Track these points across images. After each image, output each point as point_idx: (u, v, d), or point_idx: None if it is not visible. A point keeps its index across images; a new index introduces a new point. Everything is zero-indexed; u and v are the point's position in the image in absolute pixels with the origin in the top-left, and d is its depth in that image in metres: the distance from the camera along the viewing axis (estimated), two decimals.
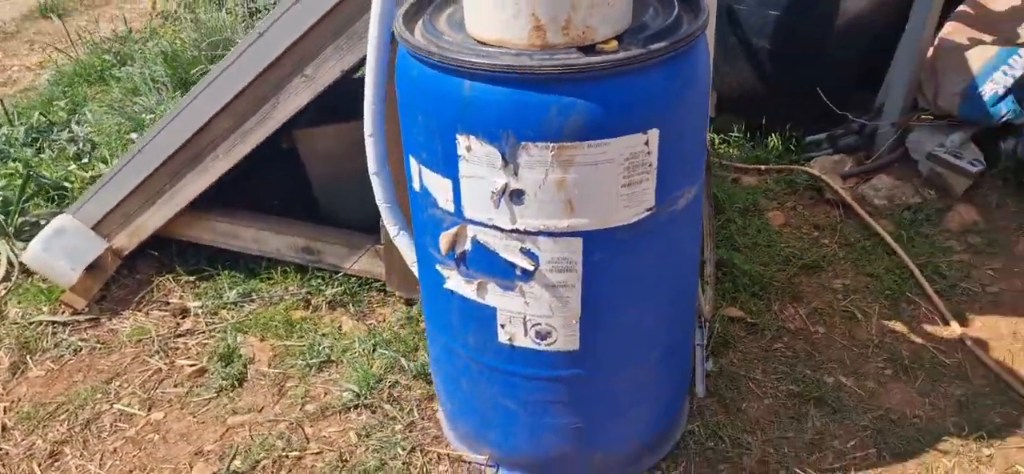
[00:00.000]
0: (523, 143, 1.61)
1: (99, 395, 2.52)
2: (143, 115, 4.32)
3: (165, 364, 2.62)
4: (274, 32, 2.34)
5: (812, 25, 3.36)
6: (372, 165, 2.24)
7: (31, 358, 2.69)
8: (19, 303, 2.92)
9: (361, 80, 2.50)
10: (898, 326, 2.61)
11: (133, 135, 4.13)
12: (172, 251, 2.99)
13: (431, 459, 2.18)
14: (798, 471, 2.12)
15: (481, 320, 1.88)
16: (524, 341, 1.86)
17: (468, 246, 1.79)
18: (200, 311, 2.82)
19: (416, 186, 1.86)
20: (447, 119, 1.66)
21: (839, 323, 2.63)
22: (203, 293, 2.89)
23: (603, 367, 1.89)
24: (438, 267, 1.88)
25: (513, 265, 1.76)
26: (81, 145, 4.01)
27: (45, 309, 2.86)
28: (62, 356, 2.69)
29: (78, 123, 4.29)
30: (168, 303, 2.87)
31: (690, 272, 2.01)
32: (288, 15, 2.31)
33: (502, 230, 1.73)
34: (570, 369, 1.87)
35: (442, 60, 1.63)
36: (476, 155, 1.66)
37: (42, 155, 3.90)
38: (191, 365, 2.61)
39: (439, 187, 1.77)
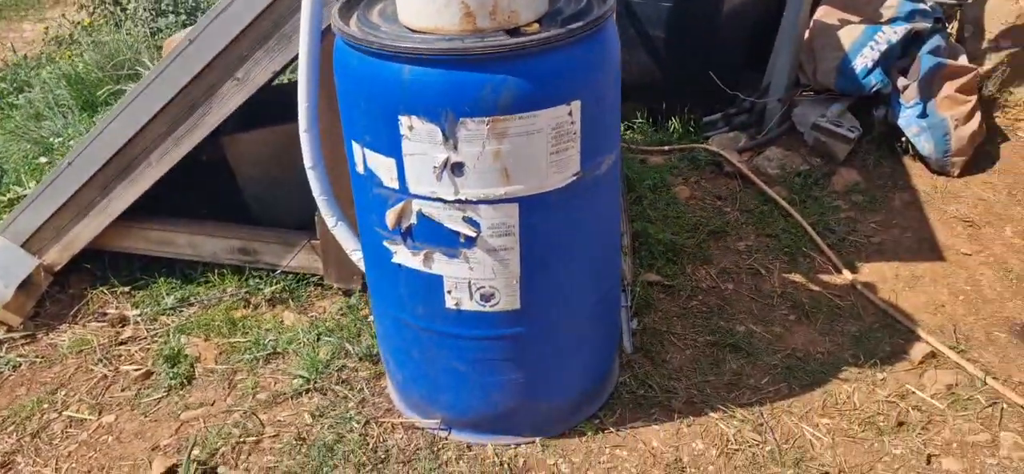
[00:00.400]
0: (461, 119, 1.78)
1: (45, 405, 2.55)
2: (51, 139, 4.28)
3: (110, 371, 2.67)
4: (204, 38, 2.43)
5: (702, 14, 3.65)
6: (308, 160, 2.36)
7: None
8: None
9: (280, 87, 2.61)
10: (797, 278, 2.89)
11: (42, 159, 4.10)
12: (105, 263, 3.02)
13: (386, 428, 2.32)
14: (721, 407, 2.35)
15: (429, 289, 2.03)
16: (470, 305, 2.03)
17: (414, 220, 1.94)
18: (140, 319, 2.87)
19: (360, 169, 2.00)
20: (389, 102, 1.82)
21: (746, 279, 2.90)
22: (141, 302, 2.93)
23: (543, 323, 2.07)
24: (385, 243, 2.03)
25: (457, 233, 1.92)
26: None
27: None
28: (1, 372, 2.69)
29: None
30: (105, 314, 2.90)
31: (613, 231, 2.21)
32: (218, 21, 2.41)
33: (445, 201, 1.89)
34: (513, 327, 2.05)
35: (382, 48, 1.78)
36: (418, 133, 1.82)
37: None
38: (136, 369, 2.66)
39: (384, 167, 1.91)
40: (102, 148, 2.66)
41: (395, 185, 1.92)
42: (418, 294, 2.07)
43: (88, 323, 2.88)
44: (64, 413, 2.52)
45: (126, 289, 2.99)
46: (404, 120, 1.81)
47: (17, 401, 2.58)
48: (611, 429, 2.29)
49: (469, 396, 2.18)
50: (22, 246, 2.88)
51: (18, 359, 2.74)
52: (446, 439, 2.27)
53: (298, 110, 2.31)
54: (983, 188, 3.37)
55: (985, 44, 3.91)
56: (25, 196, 3.44)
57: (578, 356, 2.21)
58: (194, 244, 2.94)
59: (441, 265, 1.99)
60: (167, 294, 2.94)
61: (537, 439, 2.25)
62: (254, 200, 3.10)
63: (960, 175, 3.43)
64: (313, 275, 2.93)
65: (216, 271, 2.98)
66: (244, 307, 2.88)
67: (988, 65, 3.79)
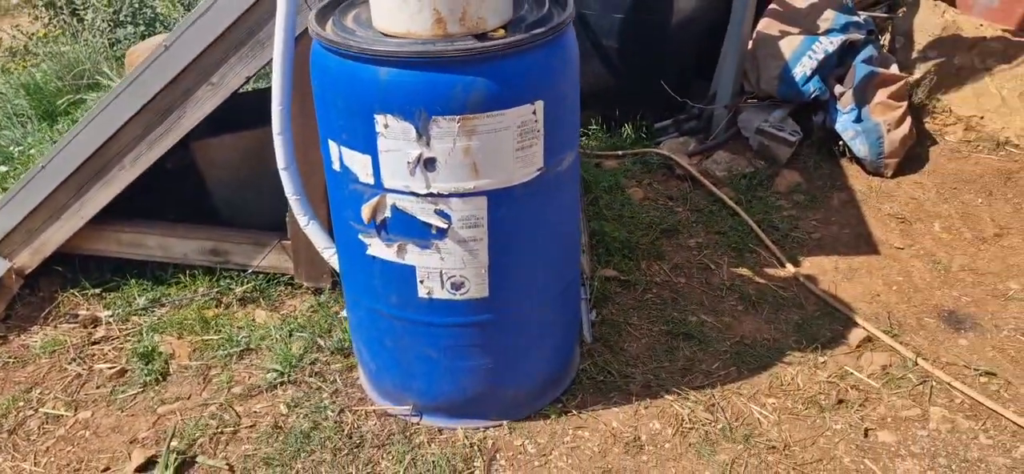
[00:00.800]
0: (433, 117, 1.91)
1: (21, 403, 2.60)
2: (11, 148, 4.30)
3: (83, 370, 2.73)
4: (180, 44, 2.52)
5: (651, 25, 3.83)
6: (281, 161, 2.47)
7: None
8: None
9: (244, 95, 2.70)
10: (744, 271, 3.08)
11: (2, 167, 4.11)
12: (76, 266, 3.07)
13: (360, 415, 2.43)
14: (675, 390, 2.51)
15: (402, 279, 2.15)
16: (441, 293, 2.15)
17: (388, 213, 2.07)
18: (111, 320, 2.93)
19: (336, 166, 2.12)
20: (366, 102, 1.94)
21: (696, 273, 3.07)
22: (112, 303, 2.99)
23: (510, 309, 2.21)
24: (360, 236, 2.15)
25: (429, 226, 2.05)
26: None
27: None
28: None
29: None
30: (77, 315, 2.95)
31: (573, 225, 2.36)
32: (193, 28, 2.50)
33: (418, 195, 2.02)
34: (482, 314, 2.18)
35: (360, 51, 1.91)
36: (393, 131, 1.94)
37: None
38: (110, 368, 2.72)
39: (359, 163, 2.04)
40: (77, 151, 2.73)
41: (370, 180, 2.04)
42: (392, 284, 2.19)
43: (60, 324, 2.94)
44: (40, 410, 2.57)
45: (97, 291, 3.04)
46: (380, 119, 1.94)
47: None
48: (573, 412, 2.43)
49: (440, 382, 2.30)
50: None
51: None
52: (418, 424, 2.39)
53: (272, 113, 2.42)
54: (914, 188, 3.60)
55: (915, 54, 4.17)
56: None
57: (542, 343, 2.35)
58: (165, 246, 3.01)
59: (414, 256, 2.11)
60: (139, 295, 3.01)
61: (504, 422, 2.38)
62: (224, 203, 3.18)
63: (893, 176, 3.65)
64: (283, 274, 3.02)
65: (187, 272, 3.06)
66: (216, 306, 2.97)
67: (918, 74, 4.04)
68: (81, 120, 2.72)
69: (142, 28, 5.42)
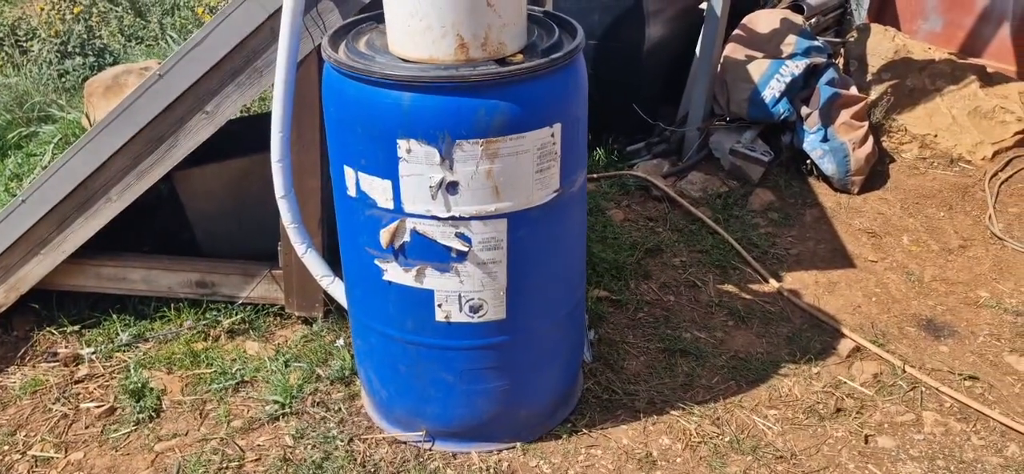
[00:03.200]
0: (457, 141, 1.93)
1: (6, 447, 2.49)
2: None
3: (69, 409, 2.63)
4: (174, 73, 2.47)
5: (625, 52, 3.92)
6: (280, 189, 2.45)
7: None
8: None
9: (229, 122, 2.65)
10: (730, 288, 3.15)
11: None
12: (53, 302, 2.96)
13: (371, 444, 2.40)
14: (680, 406, 2.55)
15: (419, 304, 2.15)
16: (459, 317, 2.15)
17: (407, 238, 2.07)
18: (94, 357, 2.83)
19: (351, 192, 2.10)
20: (388, 127, 1.94)
21: (684, 291, 3.13)
22: (93, 340, 2.89)
23: (525, 330, 2.22)
24: (377, 262, 2.14)
25: (449, 249, 2.05)
26: None
27: None
28: None
29: None
30: (56, 354, 2.84)
31: (582, 244, 2.39)
32: (189, 56, 2.46)
33: (439, 219, 2.02)
34: (499, 336, 2.19)
35: (383, 77, 1.91)
36: (416, 155, 1.95)
37: None
38: (98, 406, 2.63)
39: (379, 188, 2.03)
40: (60, 183, 2.64)
41: (390, 205, 2.04)
42: (408, 309, 2.18)
43: (38, 364, 2.82)
44: (28, 453, 2.47)
45: (76, 328, 2.94)
46: (402, 143, 1.94)
47: None
48: (584, 431, 2.45)
49: (455, 405, 2.29)
50: None
51: None
52: (431, 450, 2.37)
53: (272, 141, 2.40)
54: (880, 203, 3.75)
55: (869, 77, 4.35)
56: None
57: (554, 362, 2.37)
58: (149, 279, 2.93)
59: (432, 280, 2.11)
60: (121, 330, 2.91)
61: (517, 444, 2.38)
62: (205, 235, 3.12)
63: (859, 192, 3.80)
64: (272, 305, 2.97)
65: (172, 306, 2.97)
66: (204, 340, 2.89)
67: (874, 95, 4.22)
68: (66, 151, 2.64)
69: (91, 59, 5.27)
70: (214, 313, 2.97)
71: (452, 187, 1.98)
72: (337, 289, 2.55)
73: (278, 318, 2.97)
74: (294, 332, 2.91)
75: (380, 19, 2.24)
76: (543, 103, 1.99)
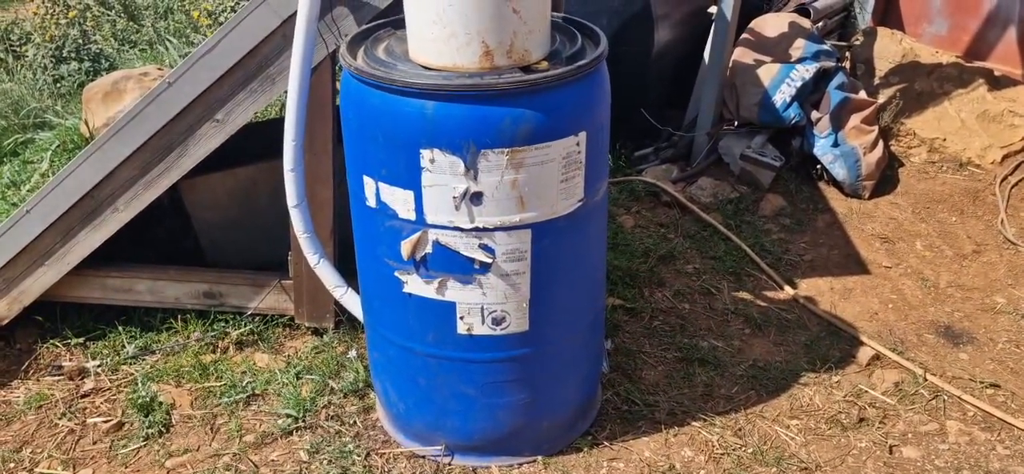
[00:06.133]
0: (482, 150, 1.88)
1: (12, 464, 2.42)
2: None
3: (76, 425, 2.56)
4: (185, 80, 2.42)
5: (633, 56, 3.88)
6: (292, 199, 2.40)
7: None
8: None
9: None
10: (745, 295, 3.11)
11: None
12: (56, 314, 2.89)
13: (388, 458, 2.35)
14: (701, 416, 2.51)
15: (440, 316, 2.10)
16: (482, 329, 2.11)
17: (429, 249, 2.02)
18: (100, 370, 2.76)
19: (371, 203, 2.05)
20: (410, 136, 1.90)
21: (699, 299, 3.09)
22: (98, 352, 2.83)
23: (548, 342, 2.18)
24: (397, 273, 2.08)
25: (472, 260, 2.01)
26: None
27: None
28: None
29: None
30: (61, 367, 2.78)
31: (603, 254, 2.35)
32: (201, 62, 2.40)
33: (462, 230, 1.97)
34: (522, 348, 2.14)
35: (406, 85, 1.87)
36: (439, 165, 1.90)
37: None
38: (106, 421, 2.57)
39: (400, 199, 1.98)
40: (66, 193, 2.58)
41: (411, 216, 1.99)
42: (429, 321, 2.13)
43: (42, 377, 2.76)
44: (35, 470, 2.41)
45: (80, 340, 2.87)
46: (426, 153, 1.89)
47: None
48: (605, 443, 2.40)
49: (476, 419, 2.24)
50: None
51: None
52: (450, 464, 2.33)
53: (284, 149, 2.35)
54: (891, 208, 3.73)
55: (876, 80, 4.33)
56: None
57: (576, 374, 2.32)
58: (155, 290, 2.87)
59: (454, 292, 2.06)
60: (127, 342, 2.85)
61: (539, 457, 2.34)
62: (211, 245, 3.06)
63: (870, 197, 3.77)
64: (281, 315, 2.91)
65: (179, 317, 2.91)
66: (212, 351, 2.83)
67: (882, 99, 4.20)
68: (73, 160, 2.58)
69: (87, 64, 5.20)
70: (222, 324, 2.91)
71: (476, 197, 1.94)
72: (351, 300, 2.50)
73: (287, 329, 2.92)
74: (304, 343, 2.86)
75: (397, 25, 2.20)
76: (569, 111, 1.94)
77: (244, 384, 2.66)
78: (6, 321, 2.79)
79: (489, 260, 2.01)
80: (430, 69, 1.93)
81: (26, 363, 2.80)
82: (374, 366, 2.43)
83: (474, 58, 1.89)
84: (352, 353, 2.75)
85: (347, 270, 2.51)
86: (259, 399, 2.63)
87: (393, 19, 2.21)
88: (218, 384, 2.68)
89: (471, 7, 1.82)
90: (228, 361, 2.79)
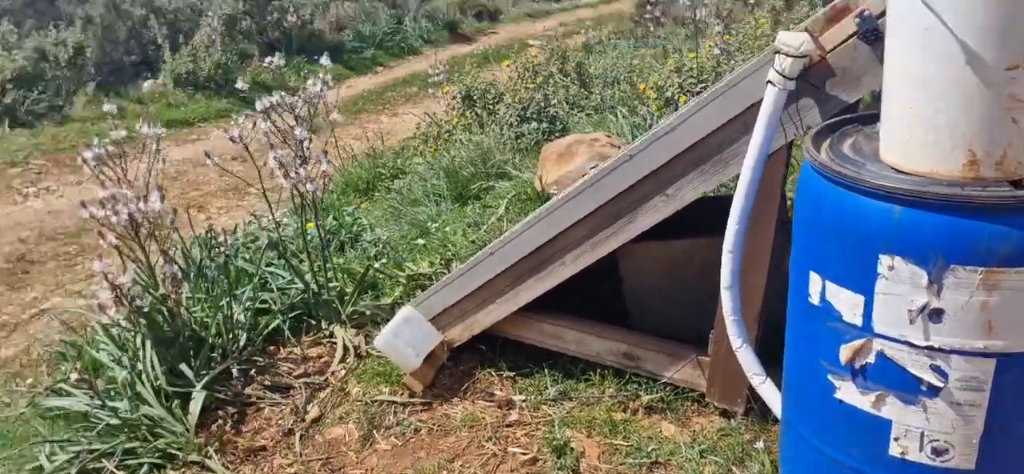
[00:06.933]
0: (952, 266, 1.74)
1: (444, 472, 2.77)
2: (428, 223, 4.75)
3: (499, 450, 2.85)
4: (644, 156, 2.60)
5: None
6: (726, 280, 2.44)
7: (377, 432, 2.99)
8: (358, 382, 3.27)
9: None
10: None
11: (420, 240, 4.54)
12: (495, 347, 3.26)
13: None
14: None
15: (871, 431, 1.97)
16: (917, 456, 1.93)
17: (871, 359, 1.91)
18: (524, 405, 3.05)
19: (813, 300, 2.00)
20: (869, 239, 1.82)
21: None
22: (524, 388, 3.13)
23: None
24: (830, 377, 2.00)
25: (920, 381, 1.85)
26: (380, 247, 4.45)
27: (385, 389, 3.19)
28: (404, 433, 2.98)
29: (372, 228, 4.75)
30: (492, 395, 3.12)
31: None
32: (657, 143, 2.57)
33: (914, 346, 1.83)
34: None
35: (872, 186, 1.80)
36: (899, 274, 1.80)
37: (346, 254, 4.37)
38: (523, 454, 2.82)
39: (846, 301, 1.91)
40: (523, 243, 2.91)
41: (857, 321, 1.90)
42: (856, 434, 2.01)
43: (477, 401, 3.11)
44: None
45: (511, 374, 3.20)
46: (885, 259, 1.80)
47: (419, 464, 2.82)
48: None
49: None
50: (430, 321, 3.19)
51: (418, 423, 3.02)
52: None
53: (727, 230, 2.40)
54: None
55: None
56: (423, 273, 3.85)
57: None
58: (581, 341, 3.09)
59: (893, 410, 1.92)
60: (550, 385, 3.11)
61: None
62: (637, 308, 3.22)
63: None
64: (692, 390, 2.96)
65: (597, 371, 3.11)
66: (623, 410, 2.97)
67: None
68: (532, 215, 2.91)
69: (545, 125, 5.84)
70: (635, 386, 3.04)
71: (935, 314, 1.79)
72: (769, 391, 2.46)
73: (696, 404, 2.95)
74: (711, 422, 2.87)
75: (864, 122, 2.14)
76: None
77: (649, 450, 2.75)
78: (456, 344, 3.21)
79: (940, 384, 1.84)
80: (901, 172, 1.85)
81: (466, 385, 3.19)
82: (783, 462, 2.35)
83: (956, 166, 1.77)
84: (760, 444, 2.70)
85: (764, 356, 2.49)
86: (662, 468, 2.69)
87: (861, 115, 2.16)
88: (625, 444, 2.80)
89: (962, 112, 1.71)
90: (636, 423, 2.91)
